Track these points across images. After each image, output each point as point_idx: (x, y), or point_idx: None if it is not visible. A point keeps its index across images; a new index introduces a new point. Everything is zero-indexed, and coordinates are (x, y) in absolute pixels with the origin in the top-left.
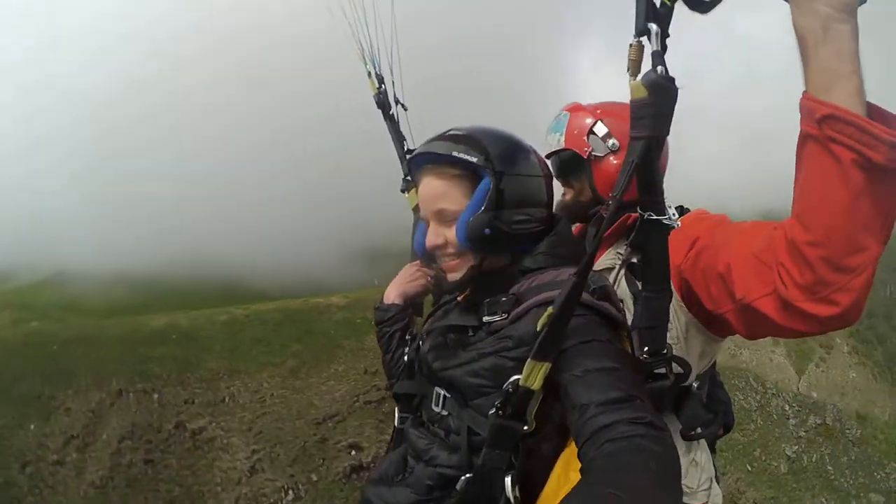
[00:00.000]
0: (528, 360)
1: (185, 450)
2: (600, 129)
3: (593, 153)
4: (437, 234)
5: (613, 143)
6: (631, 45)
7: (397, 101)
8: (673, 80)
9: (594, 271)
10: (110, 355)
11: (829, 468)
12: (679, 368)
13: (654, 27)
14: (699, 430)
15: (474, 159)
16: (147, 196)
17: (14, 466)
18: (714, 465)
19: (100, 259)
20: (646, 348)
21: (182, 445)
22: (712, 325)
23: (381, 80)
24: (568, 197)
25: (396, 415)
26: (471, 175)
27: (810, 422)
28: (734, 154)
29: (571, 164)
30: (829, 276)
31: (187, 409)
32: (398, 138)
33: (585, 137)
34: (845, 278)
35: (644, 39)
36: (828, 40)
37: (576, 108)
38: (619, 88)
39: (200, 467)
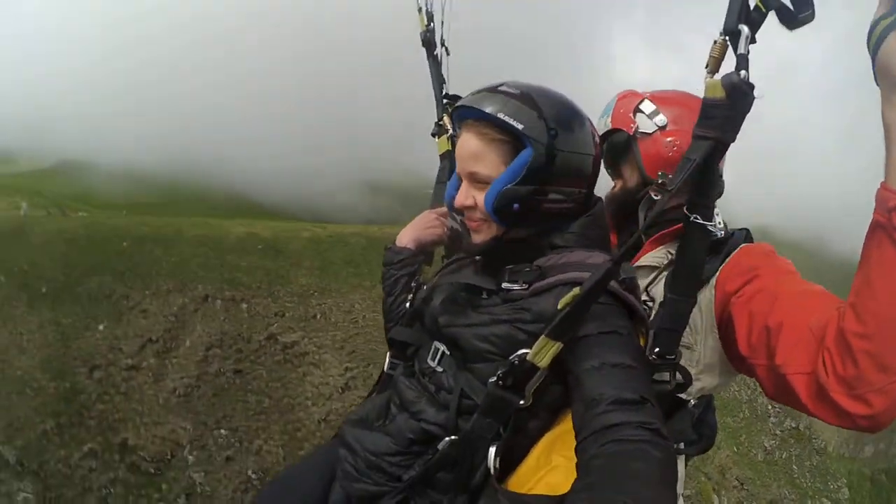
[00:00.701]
0: (542, 336)
1: (276, 362)
2: (647, 106)
3: (639, 130)
4: (466, 195)
5: (661, 119)
6: (715, 42)
7: (443, 42)
8: (753, 87)
9: (625, 263)
10: (193, 259)
11: (794, 467)
12: (681, 378)
13: (745, 29)
14: (682, 446)
15: (521, 126)
16: (157, 93)
17: (81, 370)
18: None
19: (104, 151)
20: (657, 349)
21: (273, 357)
22: (735, 361)
23: (430, 18)
24: (617, 188)
25: (387, 359)
26: (512, 141)
27: (786, 424)
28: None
29: (619, 148)
30: (870, 374)
31: (278, 321)
32: (438, 80)
33: (631, 114)
34: (886, 379)
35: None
36: None
37: (627, 94)
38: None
39: (291, 380)
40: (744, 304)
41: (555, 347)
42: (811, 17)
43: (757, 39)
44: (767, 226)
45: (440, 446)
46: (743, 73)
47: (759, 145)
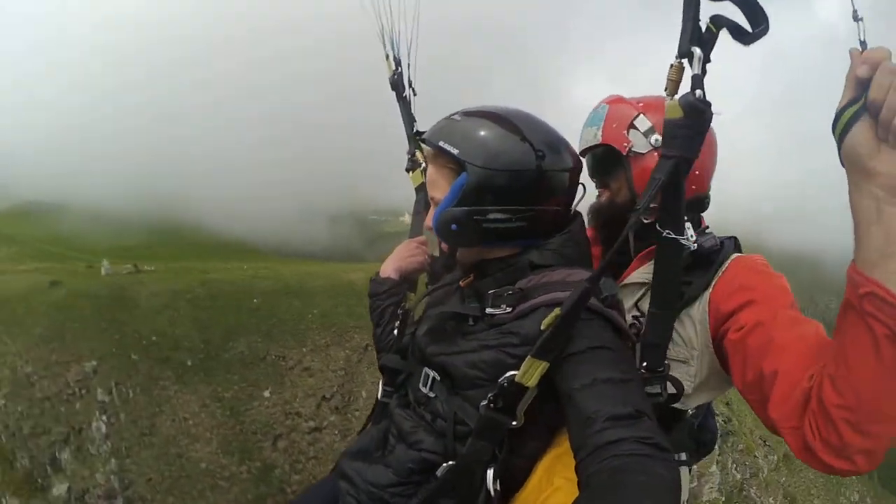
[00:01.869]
0: (528, 357)
1: None
2: (642, 122)
3: (633, 149)
4: (429, 218)
5: (657, 140)
6: (672, 66)
7: (410, 84)
8: (710, 104)
9: (608, 278)
10: (335, 309)
11: None
12: (672, 389)
13: (697, 51)
14: (683, 456)
15: (456, 151)
16: (121, 135)
17: (264, 444)
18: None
19: (69, 193)
20: (644, 364)
21: None
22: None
23: (398, 63)
24: (603, 198)
25: (380, 387)
26: (456, 166)
27: None
28: None
29: (608, 161)
30: (852, 440)
31: None
32: (409, 119)
33: (625, 132)
34: (867, 442)
35: (685, 62)
36: (879, 221)
37: (616, 101)
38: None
39: None
40: (740, 339)
41: (541, 367)
42: (765, 31)
43: (712, 59)
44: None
45: (439, 473)
46: (698, 92)
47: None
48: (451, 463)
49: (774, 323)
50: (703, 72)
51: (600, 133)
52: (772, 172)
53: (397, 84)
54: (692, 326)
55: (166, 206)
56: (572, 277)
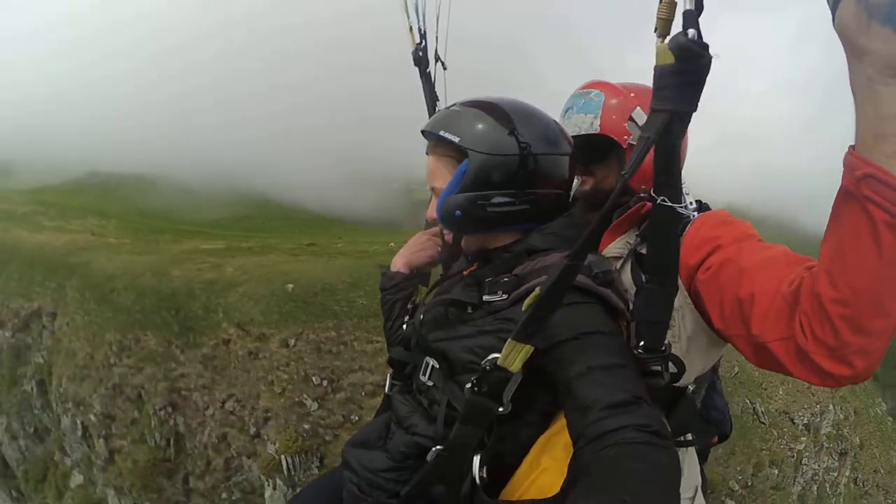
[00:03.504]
0: (509, 339)
1: None
2: (640, 115)
3: (631, 141)
4: (431, 209)
5: None
6: (661, 1)
7: (437, 59)
8: (707, 46)
9: (599, 256)
10: None
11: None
12: (674, 368)
13: None
14: (689, 436)
15: (456, 139)
16: (191, 112)
17: None
18: (703, 475)
19: (122, 161)
20: (642, 343)
21: None
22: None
23: (422, 36)
24: (587, 186)
25: (388, 381)
26: (457, 155)
27: None
28: (708, 151)
29: (601, 150)
30: (849, 337)
31: None
32: (431, 98)
33: (626, 124)
34: (865, 341)
35: None
36: (873, 101)
37: (607, 88)
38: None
39: None
40: (711, 277)
41: (524, 350)
42: None
43: None
44: (734, 203)
45: (428, 457)
46: (691, 32)
47: (728, 135)
48: (439, 448)
49: (741, 255)
50: (699, 8)
51: (598, 122)
52: (805, 148)
53: (421, 59)
54: None
55: (241, 179)
56: None
